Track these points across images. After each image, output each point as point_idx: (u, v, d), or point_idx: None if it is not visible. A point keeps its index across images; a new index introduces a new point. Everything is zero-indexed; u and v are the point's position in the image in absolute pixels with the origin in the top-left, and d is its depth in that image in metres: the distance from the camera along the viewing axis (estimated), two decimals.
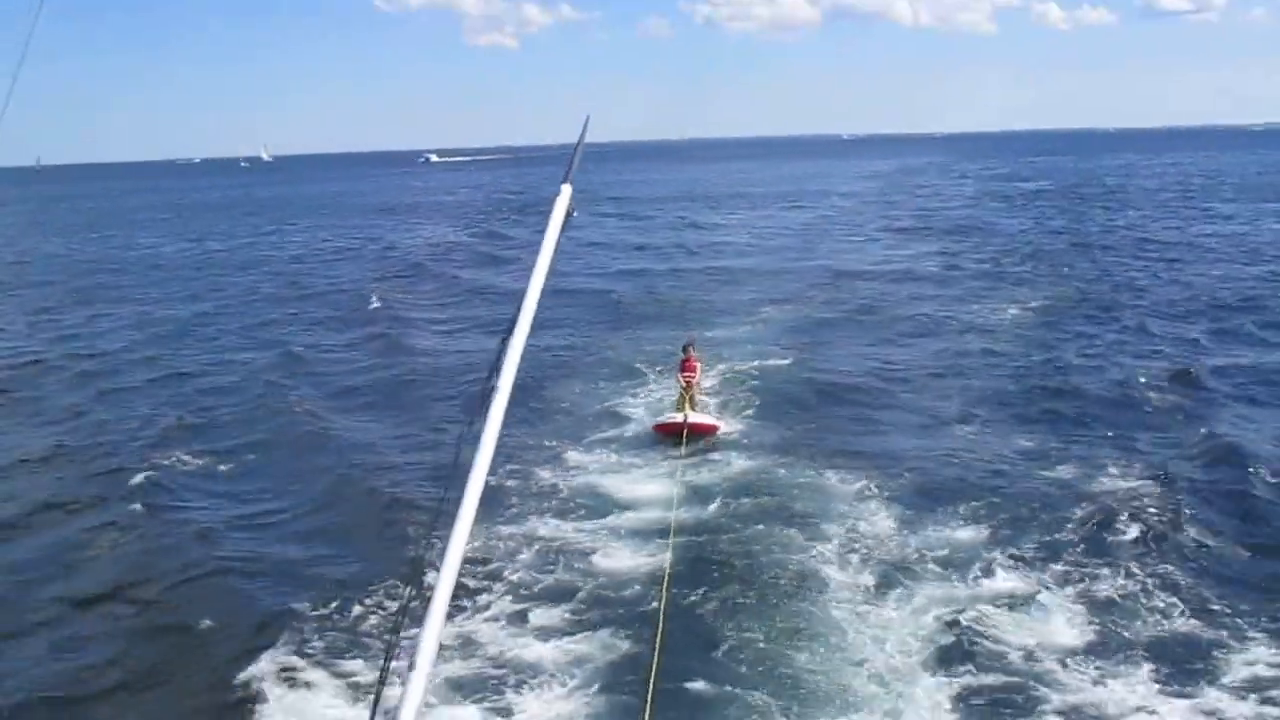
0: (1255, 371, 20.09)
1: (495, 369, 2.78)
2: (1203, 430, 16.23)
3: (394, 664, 2.49)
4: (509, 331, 2.86)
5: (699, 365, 17.60)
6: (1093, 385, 19.08)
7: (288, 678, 9.57)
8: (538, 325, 3.00)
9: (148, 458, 16.54)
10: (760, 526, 12.72)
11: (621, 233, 53.82)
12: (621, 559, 12.06)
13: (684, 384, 17.16)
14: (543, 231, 3.13)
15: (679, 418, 16.44)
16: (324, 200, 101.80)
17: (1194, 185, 78.39)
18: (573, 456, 15.78)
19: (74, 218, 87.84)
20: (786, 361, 21.40)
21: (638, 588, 11.21)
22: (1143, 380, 19.17)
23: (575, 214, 3.22)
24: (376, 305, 31.58)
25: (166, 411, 19.67)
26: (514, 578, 11.55)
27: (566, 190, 3.24)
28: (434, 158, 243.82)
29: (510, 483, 14.38)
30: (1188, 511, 12.93)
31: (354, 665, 9.79)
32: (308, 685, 9.47)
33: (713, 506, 13.55)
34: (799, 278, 34.32)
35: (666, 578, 10.79)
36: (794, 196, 79.72)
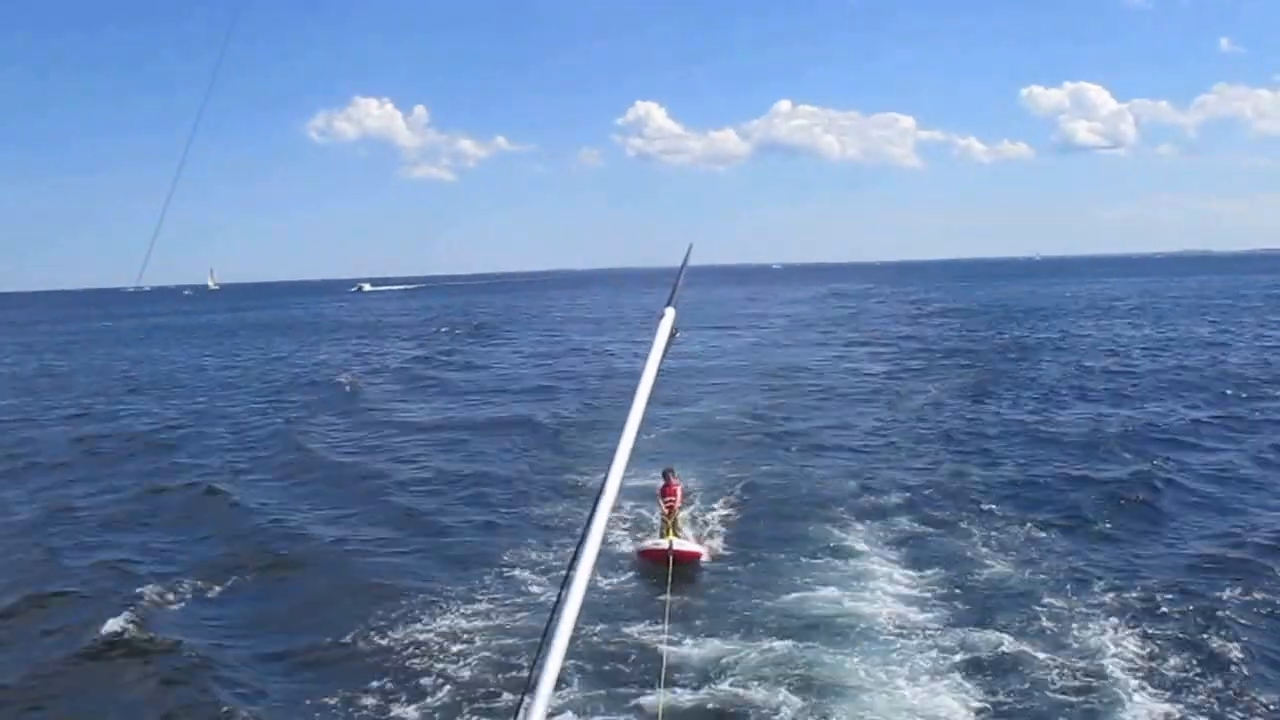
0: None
1: (606, 476, 2.90)
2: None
3: None
4: (612, 455, 2.96)
5: (679, 490, 17.70)
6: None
7: None
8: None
9: None
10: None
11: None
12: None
13: (666, 509, 17.16)
14: (643, 354, 3.27)
15: (664, 544, 16.39)
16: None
17: (1099, 307, 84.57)
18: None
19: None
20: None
21: None
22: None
23: (680, 336, 3.36)
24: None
25: None
26: None
27: (670, 313, 3.37)
28: (366, 286, 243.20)
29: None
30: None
31: None
32: None
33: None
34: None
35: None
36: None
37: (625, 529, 18.45)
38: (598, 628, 13.93)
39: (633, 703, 11.67)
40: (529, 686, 2.51)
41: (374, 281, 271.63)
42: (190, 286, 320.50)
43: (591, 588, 9.99)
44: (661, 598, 14.48)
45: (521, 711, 2.48)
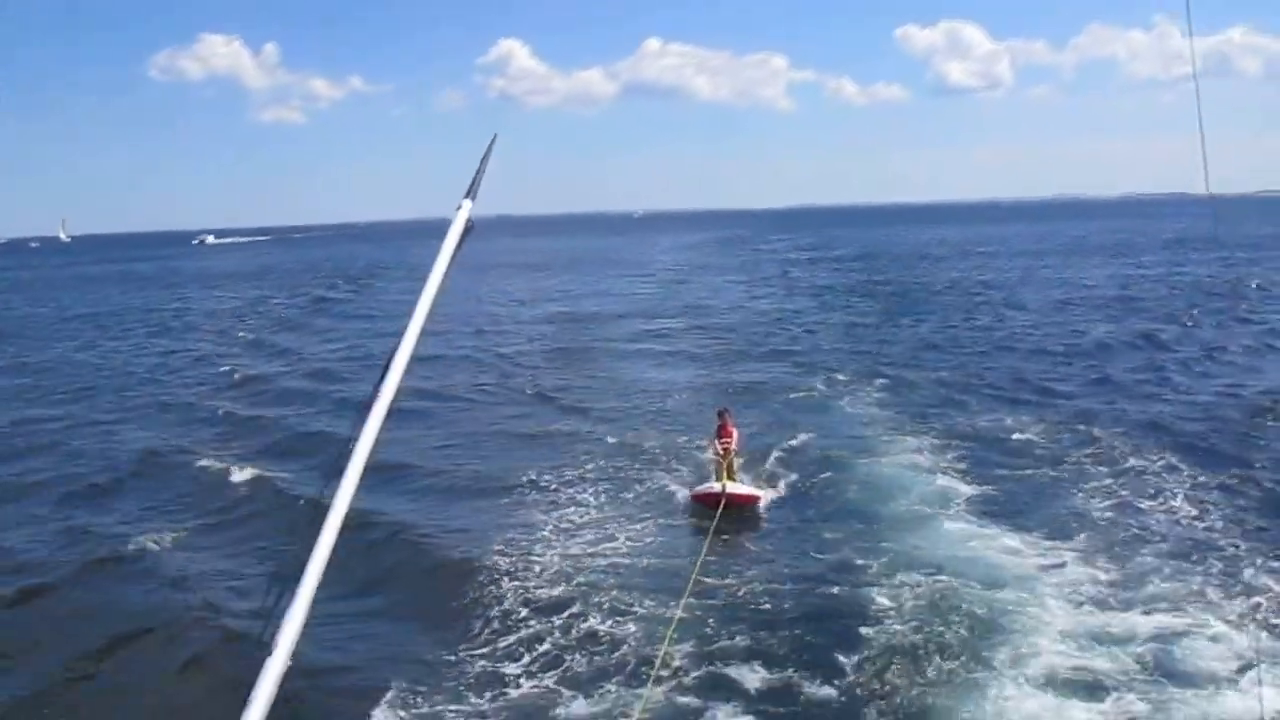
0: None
1: (384, 371, 2.88)
2: None
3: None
4: (398, 340, 2.94)
5: (735, 432, 17.04)
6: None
7: None
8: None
9: None
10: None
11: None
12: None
13: (721, 451, 16.52)
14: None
15: (717, 487, 15.82)
16: None
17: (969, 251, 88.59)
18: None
19: None
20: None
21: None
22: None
23: (474, 228, 3.27)
24: None
25: None
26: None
27: (467, 205, 3.28)
28: (210, 239, 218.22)
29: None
30: None
31: None
32: None
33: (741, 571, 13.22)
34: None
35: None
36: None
37: (681, 474, 17.77)
38: (628, 565, 13.58)
39: (639, 659, 10.97)
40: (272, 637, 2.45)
41: (218, 233, 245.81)
42: (38, 238, 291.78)
43: (634, 530, 13.74)
44: (703, 541, 14.01)
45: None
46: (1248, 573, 12.58)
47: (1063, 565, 13.08)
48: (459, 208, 3.27)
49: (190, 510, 17.91)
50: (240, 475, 19.45)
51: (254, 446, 22.26)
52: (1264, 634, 10.82)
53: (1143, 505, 15.52)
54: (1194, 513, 15.12)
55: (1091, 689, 9.79)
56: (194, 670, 11.47)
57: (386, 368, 2.90)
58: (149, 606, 13.40)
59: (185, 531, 16.49)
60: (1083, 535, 14.16)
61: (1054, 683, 9.93)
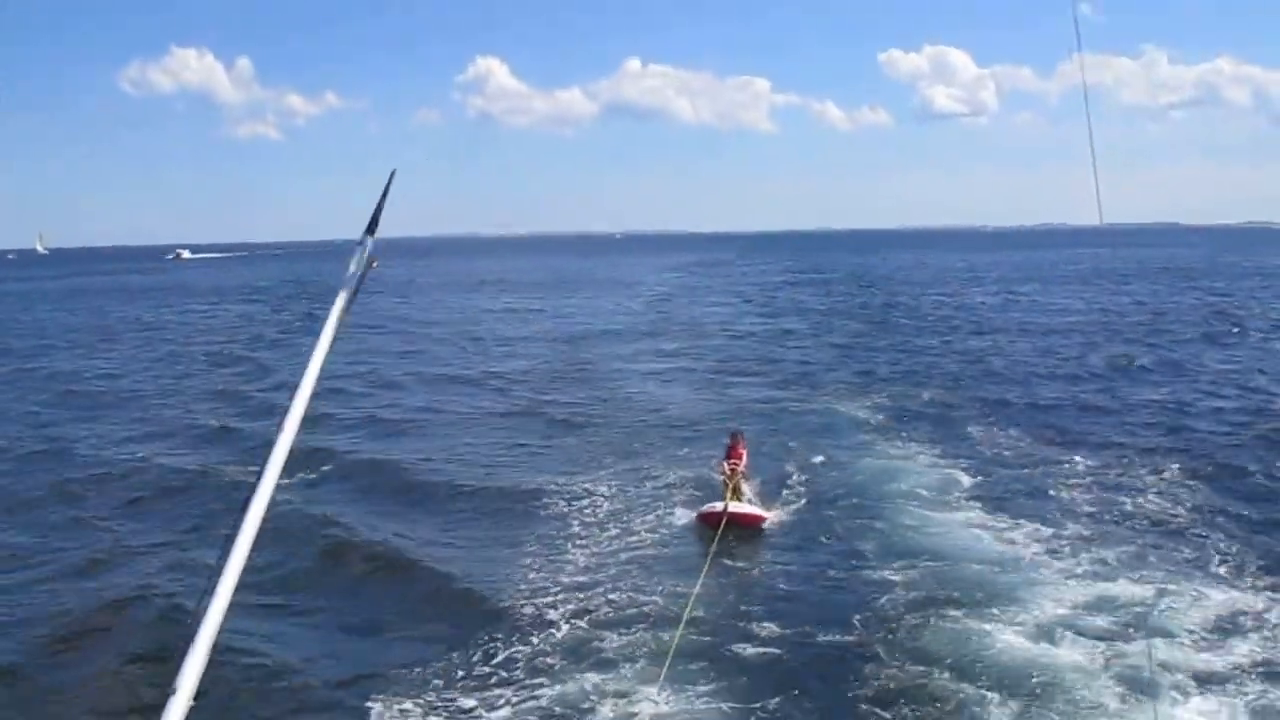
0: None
1: (285, 411, 2.91)
2: None
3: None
4: (297, 383, 2.96)
5: (745, 454, 17.15)
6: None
7: None
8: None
9: None
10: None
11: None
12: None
13: (728, 472, 16.58)
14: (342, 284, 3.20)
15: (719, 507, 15.88)
16: None
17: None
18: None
19: None
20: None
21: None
22: None
23: (377, 265, 3.26)
24: None
25: None
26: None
27: (369, 242, 3.26)
28: (185, 254, 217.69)
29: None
30: None
31: None
32: None
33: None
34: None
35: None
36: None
37: (688, 496, 17.65)
38: (623, 584, 13.46)
39: (636, 667, 11.08)
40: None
41: (194, 248, 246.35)
42: (14, 251, 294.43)
43: (634, 546, 13.53)
44: (702, 561, 13.94)
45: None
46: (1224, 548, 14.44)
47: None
48: (360, 244, 3.25)
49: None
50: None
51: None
52: (1237, 594, 12.66)
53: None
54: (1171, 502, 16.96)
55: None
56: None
57: (287, 410, 2.92)
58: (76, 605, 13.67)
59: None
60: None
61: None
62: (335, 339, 3.08)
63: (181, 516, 17.88)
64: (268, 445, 2.87)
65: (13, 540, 16.94)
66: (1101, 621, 11.81)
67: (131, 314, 66.72)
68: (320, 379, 3.01)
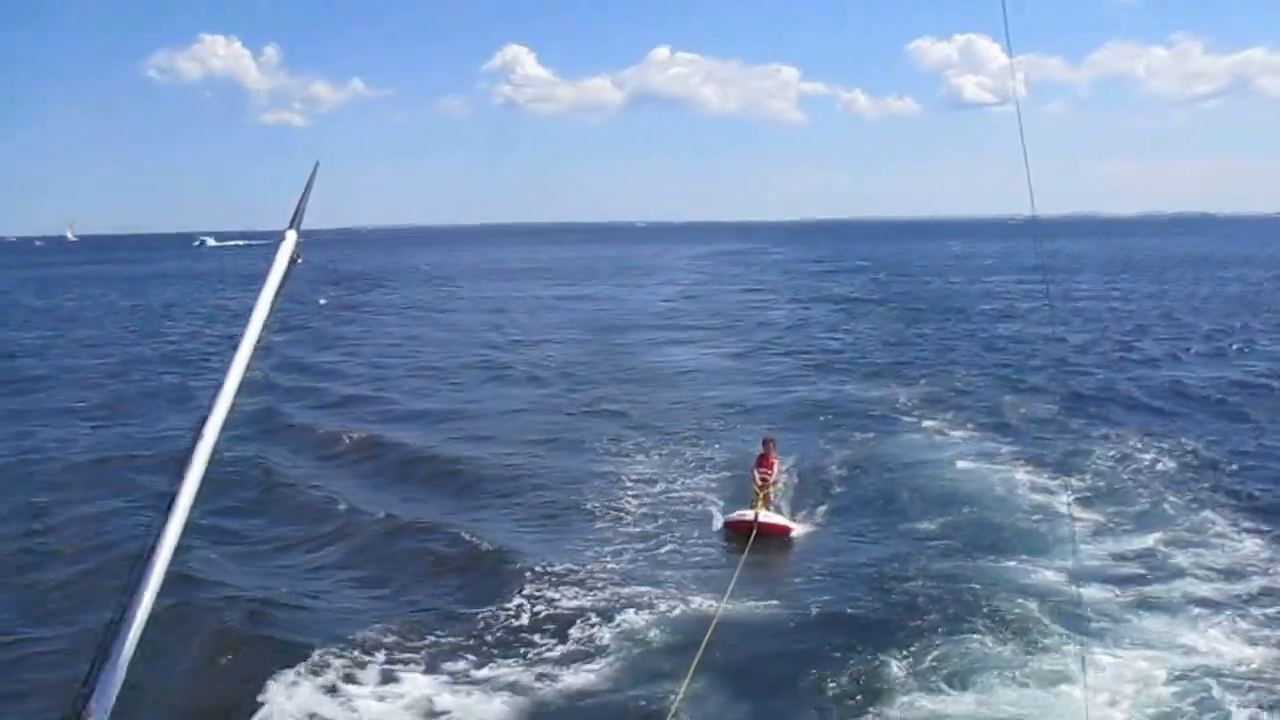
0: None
1: (208, 408, 2.81)
2: None
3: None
4: (219, 383, 2.86)
5: (776, 463, 16.96)
6: None
7: None
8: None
9: None
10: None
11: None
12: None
13: (759, 481, 16.35)
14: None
15: (749, 516, 15.68)
16: None
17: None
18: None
19: None
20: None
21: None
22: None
23: (301, 260, 3.15)
24: None
25: None
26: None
27: (291, 236, 3.15)
28: (210, 241, 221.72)
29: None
30: None
31: None
32: None
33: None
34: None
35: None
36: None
37: (720, 502, 17.39)
38: (653, 594, 13.19)
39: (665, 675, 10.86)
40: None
41: (218, 236, 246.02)
42: (43, 238, 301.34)
43: (661, 555, 13.57)
44: (731, 570, 13.78)
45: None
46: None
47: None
48: (283, 239, 3.15)
49: None
50: None
51: None
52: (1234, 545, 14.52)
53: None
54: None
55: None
56: None
57: (210, 406, 2.82)
58: None
59: None
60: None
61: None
62: (259, 341, 2.94)
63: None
64: (185, 452, 2.71)
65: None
66: None
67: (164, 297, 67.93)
68: (241, 385, 2.86)
